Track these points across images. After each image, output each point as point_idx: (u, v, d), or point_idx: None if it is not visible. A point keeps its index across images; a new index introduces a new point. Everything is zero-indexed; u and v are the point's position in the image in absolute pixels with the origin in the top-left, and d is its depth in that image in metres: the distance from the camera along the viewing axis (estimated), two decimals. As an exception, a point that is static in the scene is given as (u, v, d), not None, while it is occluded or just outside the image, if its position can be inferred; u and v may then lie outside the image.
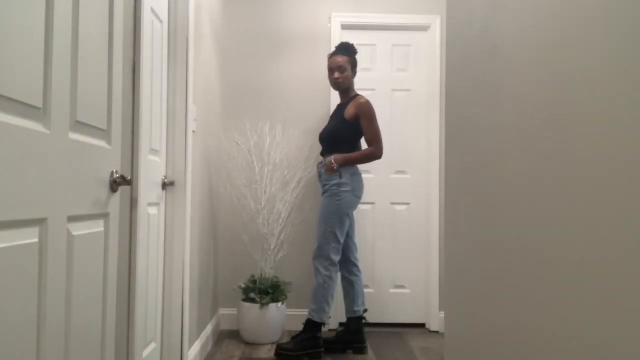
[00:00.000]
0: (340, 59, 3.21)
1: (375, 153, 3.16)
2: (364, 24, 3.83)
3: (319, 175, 3.27)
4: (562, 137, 1.26)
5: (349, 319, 3.24)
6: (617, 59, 1.05)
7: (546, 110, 1.34)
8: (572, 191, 1.21)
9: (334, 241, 3.07)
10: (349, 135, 3.18)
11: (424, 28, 3.87)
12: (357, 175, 3.16)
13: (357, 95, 3.25)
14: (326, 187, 3.15)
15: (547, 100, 1.34)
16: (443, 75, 3.78)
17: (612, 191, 1.06)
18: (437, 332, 3.69)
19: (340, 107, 3.27)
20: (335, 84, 3.25)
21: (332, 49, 3.52)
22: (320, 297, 3.06)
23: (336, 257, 3.09)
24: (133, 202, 1.87)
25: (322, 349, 3.06)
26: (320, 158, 3.34)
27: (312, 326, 3.05)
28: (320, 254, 3.08)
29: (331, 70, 3.25)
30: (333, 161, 3.10)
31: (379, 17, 3.83)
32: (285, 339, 3.40)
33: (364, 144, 3.24)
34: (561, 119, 1.27)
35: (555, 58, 1.31)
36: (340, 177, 3.10)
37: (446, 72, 2.25)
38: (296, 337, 3.06)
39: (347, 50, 3.25)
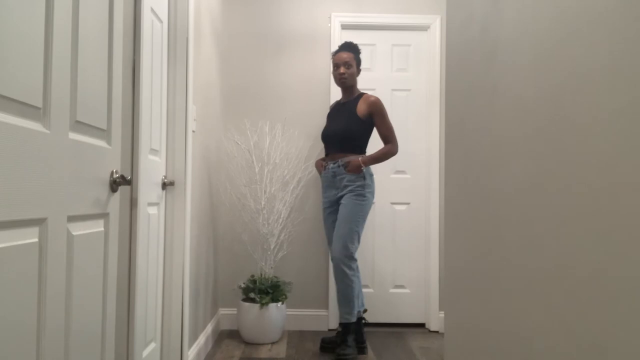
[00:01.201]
0: (347, 55, 3.17)
1: (392, 150, 3.15)
2: (364, 24, 3.83)
3: (333, 175, 3.16)
4: (562, 137, 1.26)
5: None
6: (618, 59, 1.05)
7: (546, 111, 1.34)
8: (572, 191, 1.21)
9: (357, 241, 3.09)
10: (362, 134, 3.16)
11: (424, 28, 3.87)
12: (373, 176, 3.18)
13: (363, 93, 3.23)
14: (349, 187, 3.09)
15: (547, 100, 1.34)
16: (443, 75, 3.78)
17: (612, 191, 1.06)
18: (437, 332, 3.69)
19: (346, 106, 3.22)
20: (341, 79, 3.19)
21: (333, 48, 3.52)
22: (352, 297, 3.05)
23: (356, 256, 3.12)
24: (133, 202, 1.87)
25: (366, 342, 3.16)
26: (322, 157, 3.33)
27: (350, 326, 3.07)
28: (346, 254, 3.04)
29: (337, 65, 3.20)
30: (361, 162, 3.06)
31: (379, 17, 3.83)
32: (286, 339, 3.41)
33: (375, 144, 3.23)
34: (561, 119, 1.27)
35: (555, 58, 1.31)
36: (364, 178, 3.09)
37: (446, 72, 2.25)
38: (347, 342, 3.03)
39: (352, 48, 3.22)
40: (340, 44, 3.29)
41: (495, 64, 1.69)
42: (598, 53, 1.12)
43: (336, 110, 3.31)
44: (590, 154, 1.14)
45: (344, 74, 3.16)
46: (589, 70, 1.15)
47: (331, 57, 3.30)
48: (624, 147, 1.02)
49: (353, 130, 3.15)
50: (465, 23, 1.99)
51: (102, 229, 1.44)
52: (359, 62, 3.24)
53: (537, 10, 1.41)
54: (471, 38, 1.92)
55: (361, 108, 3.14)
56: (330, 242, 3.22)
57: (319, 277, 3.72)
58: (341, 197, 3.14)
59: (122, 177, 1.49)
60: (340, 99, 3.34)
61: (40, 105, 1.09)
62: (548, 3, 1.35)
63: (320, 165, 3.29)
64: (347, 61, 3.16)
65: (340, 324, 3.10)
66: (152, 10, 2.08)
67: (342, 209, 3.09)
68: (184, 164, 2.43)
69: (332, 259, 3.14)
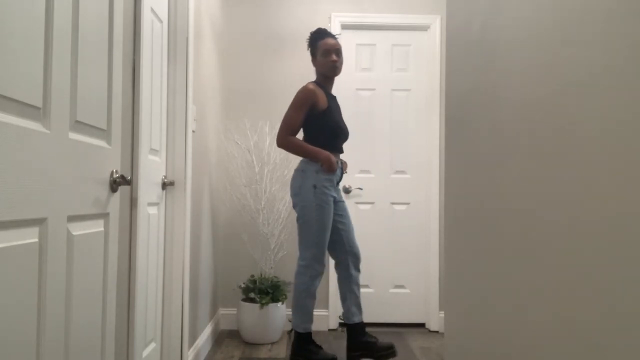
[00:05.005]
0: (335, 42, 2.92)
1: None
2: (364, 24, 3.83)
3: (341, 175, 2.95)
4: (561, 137, 1.26)
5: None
6: (618, 59, 1.05)
7: (546, 111, 1.34)
8: (571, 192, 1.21)
9: None
10: None
11: (424, 28, 3.87)
12: None
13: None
14: (341, 190, 2.98)
15: (546, 100, 1.34)
16: (443, 75, 3.78)
17: (612, 192, 1.06)
18: (437, 332, 3.69)
19: (337, 101, 3.03)
20: (333, 67, 2.90)
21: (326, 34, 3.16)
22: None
23: None
24: (133, 202, 1.87)
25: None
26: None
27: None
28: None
29: (328, 52, 2.89)
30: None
31: (379, 17, 3.83)
32: (285, 339, 3.40)
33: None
34: (561, 119, 1.27)
35: (555, 58, 1.31)
36: None
37: (446, 72, 2.25)
38: (370, 346, 2.96)
39: (333, 36, 2.97)
40: (315, 30, 2.97)
41: (495, 64, 1.69)
42: (599, 53, 1.12)
43: (335, 105, 2.97)
44: (591, 154, 1.14)
45: (336, 61, 2.90)
46: (590, 71, 1.15)
47: (314, 42, 2.94)
48: (624, 147, 1.02)
49: None
50: (465, 23, 1.99)
51: (102, 229, 1.44)
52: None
53: (537, 10, 1.41)
54: (471, 38, 1.92)
55: None
56: (328, 243, 2.93)
57: (319, 277, 3.72)
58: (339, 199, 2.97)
59: (122, 177, 1.49)
60: (326, 88, 2.96)
61: (40, 105, 1.09)
62: (548, 3, 1.35)
63: (334, 161, 2.81)
64: (337, 48, 2.91)
65: (354, 325, 2.94)
66: (152, 10, 2.08)
67: (347, 212, 2.96)
68: (184, 164, 2.44)
69: (352, 262, 2.92)
